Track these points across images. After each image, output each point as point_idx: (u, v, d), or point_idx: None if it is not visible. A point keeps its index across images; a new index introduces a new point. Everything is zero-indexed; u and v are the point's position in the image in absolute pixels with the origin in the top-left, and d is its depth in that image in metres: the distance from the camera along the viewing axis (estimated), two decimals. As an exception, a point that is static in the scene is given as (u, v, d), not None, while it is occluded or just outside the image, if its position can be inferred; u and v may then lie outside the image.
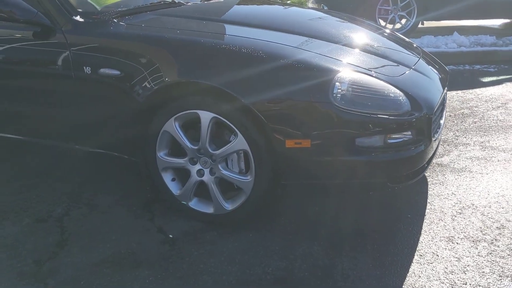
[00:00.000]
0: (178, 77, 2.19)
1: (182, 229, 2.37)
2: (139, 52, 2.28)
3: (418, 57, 2.66)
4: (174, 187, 2.42)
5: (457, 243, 2.19)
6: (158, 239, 2.29)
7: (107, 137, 2.49)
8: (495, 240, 2.20)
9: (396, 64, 2.45)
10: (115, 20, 2.41)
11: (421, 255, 2.11)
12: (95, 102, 2.41)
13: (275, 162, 2.16)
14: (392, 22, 6.88)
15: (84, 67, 2.33)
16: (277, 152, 2.12)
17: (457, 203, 2.53)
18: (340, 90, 2.07)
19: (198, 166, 2.31)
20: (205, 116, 2.19)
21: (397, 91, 2.15)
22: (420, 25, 7.03)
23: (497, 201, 2.53)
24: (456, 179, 2.80)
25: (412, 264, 2.06)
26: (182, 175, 2.42)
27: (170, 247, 2.22)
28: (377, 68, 2.31)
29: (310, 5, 7.86)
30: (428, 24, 7.59)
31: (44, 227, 2.39)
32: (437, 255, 2.11)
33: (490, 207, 2.48)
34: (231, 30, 2.45)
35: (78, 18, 2.40)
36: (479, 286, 1.92)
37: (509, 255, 2.09)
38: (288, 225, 2.38)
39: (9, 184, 2.84)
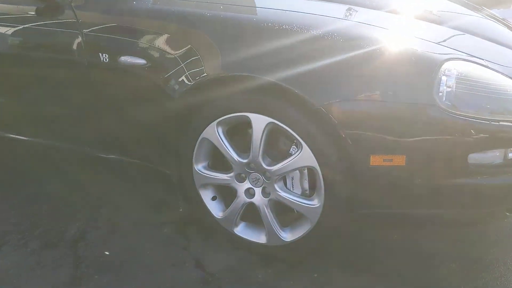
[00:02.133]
0: (223, 70, 1.64)
1: (225, 263, 1.85)
2: (172, 34, 1.74)
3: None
4: (215, 208, 1.89)
5: None
6: (196, 277, 1.78)
7: (131, 143, 1.98)
8: None
9: (503, 46, 1.85)
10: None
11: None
12: (113, 99, 1.89)
13: (353, 184, 1.60)
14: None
15: (100, 54, 1.80)
16: (357, 171, 1.57)
17: None
18: (447, 88, 1.49)
19: (247, 184, 1.78)
20: (259, 122, 1.64)
21: (520, 87, 1.56)
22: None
23: None
24: None
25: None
26: (225, 193, 1.90)
27: (212, 289, 1.72)
28: (486, 54, 1.71)
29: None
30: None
31: (53, 255, 1.91)
32: None
33: None
34: (298, 3, 1.87)
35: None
36: None
37: None
38: (370, 264, 1.84)
39: (14, 195, 2.36)
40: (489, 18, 2.33)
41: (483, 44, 1.83)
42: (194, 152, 1.81)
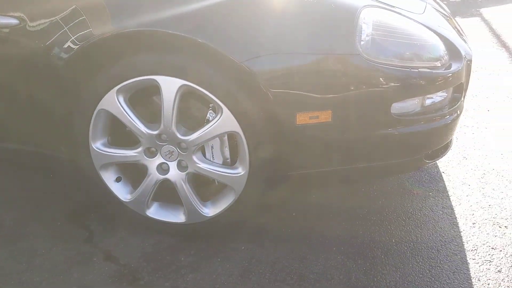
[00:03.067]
0: (117, 27, 1.37)
1: (140, 251, 1.63)
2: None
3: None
4: (121, 191, 1.63)
5: (505, 227, 1.74)
6: (108, 271, 1.53)
7: (18, 127, 1.61)
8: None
9: (408, -3, 1.85)
10: None
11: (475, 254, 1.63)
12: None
13: (280, 146, 1.48)
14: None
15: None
16: (284, 132, 1.45)
17: (475, 170, 2.08)
18: (367, 36, 1.43)
19: (159, 159, 1.55)
20: (169, 85, 1.42)
21: (432, 34, 1.56)
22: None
23: (512, 162, 2.13)
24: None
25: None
26: (131, 171, 1.65)
27: (130, 284, 1.49)
28: (395, 1, 1.68)
29: None
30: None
31: None
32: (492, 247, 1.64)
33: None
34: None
35: None
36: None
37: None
38: (300, 229, 1.75)
39: None
40: None
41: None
42: (91, 128, 1.52)
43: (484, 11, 4.83)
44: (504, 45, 3.76)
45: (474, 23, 4.37)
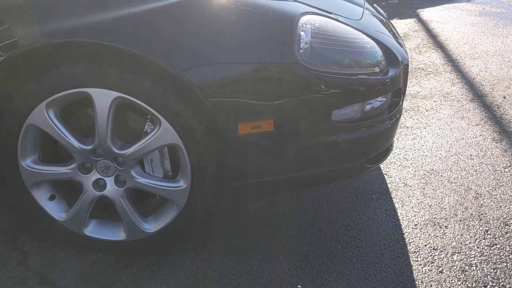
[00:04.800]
0: (45, 37, 1.28)
1: (78, 272, 1.54)
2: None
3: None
4: (55, 210, 1.54)
5: (445, 226, 1.78)
6: (44, 297, 1.44)
7: None
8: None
9: (345, 1, 1.86)
10: None
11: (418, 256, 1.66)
12: None
13: (222, 157, 1.45)
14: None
15: None
16: (226, 143, 1.41)
17: (416, 171, 2.13)
18: (306, 44, 1.41)
19: (94, 175, 1.47)
20: (103, 97, 1.34)
21: (370, 40, 1.57)
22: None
23: (455, 161, 2.20)
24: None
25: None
26: (65, 189, 1.56)
27: (68, 308, 1.41)
28: (333, 8, 1.68)
29: None
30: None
31: None
32: (433, 248, 1.68)
33: (451, 170, 2.13)
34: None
35: None
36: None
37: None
38: (247, 239, 1.72)
39: None
40: None
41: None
42: (19, 144, 1.42)
43: (421, 12, 5.00)
44: (439, 45, 3.90)
45: (411, 24, 4.51)
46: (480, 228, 1.76)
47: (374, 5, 2.11)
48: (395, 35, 1.85)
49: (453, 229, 1.76)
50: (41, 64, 1.33)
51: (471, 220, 1.81)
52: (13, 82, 1.36)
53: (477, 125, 2.54)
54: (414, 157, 2.24)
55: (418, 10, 5.07)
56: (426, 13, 4.95)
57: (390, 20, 2.05)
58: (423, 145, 2.35)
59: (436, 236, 1.72)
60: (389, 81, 1.55)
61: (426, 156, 2.25)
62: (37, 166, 1.46)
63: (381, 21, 1.87)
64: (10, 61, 1.30)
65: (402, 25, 4.49)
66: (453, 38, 4.06)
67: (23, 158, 1.45)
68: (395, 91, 1.62)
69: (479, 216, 1.83)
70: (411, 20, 4.68)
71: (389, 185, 2.02)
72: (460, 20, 4.65)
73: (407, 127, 2.53)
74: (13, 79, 1.35)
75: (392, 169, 2.14)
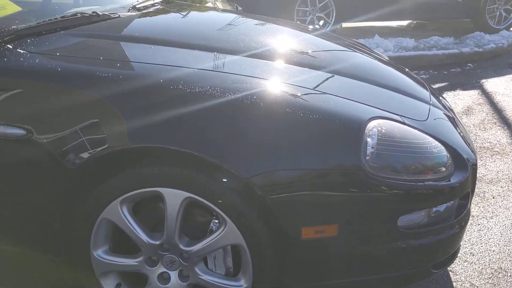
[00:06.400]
0: (129, 140, 1.38)
1: None
2: (57, 98, 1.43)
3: (424, 86, 2.10)
4: (120, 298, 1.60)
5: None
6: None
7: (10, 226, 1.59)
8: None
9: (411, 98, 1.86)
10: (10, 46, 1.51)
11: None
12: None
13: (284, 260, 1.45)
14: (311, 24, 6.46)
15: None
16: (288, 246, 1.42)
17: (483, 268, 2.03)
18: (373, 150, 1.43)
19: (160, 269, 1.52)
20: (174, 197, 1.41)
21: (437, 143, 1.56)
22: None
23: (520, 259, 2.08)
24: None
25: None
26: (132, 278, 1.61)
27: None
28: (400, 108, 1.70)
29: (220, 4, 7.17)
30: (345, 25, 7.31)
31: None
32: None
33: (519, 269, 2.02)
34: (202, 59, 1.68)
35: None
36: None
37: None
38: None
39: None
40: (370, 55, 2.34)
41: (387, 95, 1.81)
42: (92, 235, 1.50)
43: (485, 82, 4.90)
44: (506, 121, 3.78)
45: (475, 97, 4.42)
46: None
47: (440, 97, 2.10)
48: (462, 132, 1.82)
49: None
50: (122, 163, 1.42)
51: (546, 332, 1.68)
52: (94, 178, 1.45)
53: (549, 216, 2.41)
54: (480, 252, 2.14)
55: (482, 81, 4.97)
56: (491, 84, 4.84)
57: (453, 91, 2.01)
58: (490, 238, 2.25)
59: None
60: (457, 186, 1.52)
61: (493, 251, 2.15)
62: (107, 257, 1.53)
63: (447, 118, 1.86)
64: (93, 160, 1.40)
65: (465, 97, 4.41)
66: (521, 114, 3.93)
67: (95, 248, 1.52)
68: (464, 195, 1.59)
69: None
70: (474, 91, 4.60)
71: (454, 284, 1.93)
72: (528, 93, 4.51)
73: (473, 216, 2.43)
74: (95, 175, 1.45)
75: (458, 265, 2.05)
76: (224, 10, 3.22)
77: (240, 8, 6.38)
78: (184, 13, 2.40)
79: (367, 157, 1.40)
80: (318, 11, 6.38)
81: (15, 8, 1.69)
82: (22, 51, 1.49)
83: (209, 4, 8.08)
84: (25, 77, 1.44)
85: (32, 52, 1.49)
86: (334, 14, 6.41)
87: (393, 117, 1.56)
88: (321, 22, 6.47)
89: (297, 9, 6.31)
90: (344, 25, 7.07)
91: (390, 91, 1.86)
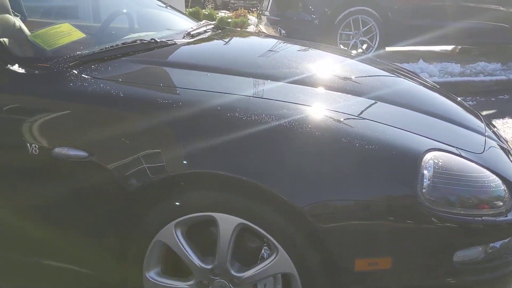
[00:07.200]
0: (187, 166, 1.41)
1: None
2: (119, 122, 1.48)
3: (479, 117, 2.06)
4: (169, 320, 1.61)
5: None
6: None
7: (65, 245, 1.64)
8: None
9: (466, 129, 1.83)
10: (75, 71, 1.58)
11: None
12: (44, 195, 1.57)
13: (336, 291, 1.44)
14: (354, 47, 6.46)
15: (28, 145, 1.49)
16: (341, 277, 1.41)
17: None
18: (429, 182, 1.40)
19: (211, 293, 1.54)
20: (227, 223, 1.43)
21: (495, 177, 1.52)
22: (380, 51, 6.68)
23: None
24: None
25: None
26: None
27: None
28: (455, 140, 1.67)
29: (263, 28, 7.28)
30: (388, 49, 7.27)
31: None
32: None
33: None
34: (259, 87, 1.71)
35: (16, 68, 1.55)
36: None
37: None
38: None
39: None
40: (415, 81, 2.31)
41: (442, 126, 1.78)
42: (146, 257, 1.53)
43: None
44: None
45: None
46: None
47: (494, 129, 2.05)
48: None
49: None
50: (178, 188, 1.46)
51: None
52: (150, 200, 1.49)
53: None
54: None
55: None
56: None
57: (502, 119, 1.95)
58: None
59: None
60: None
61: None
62: (159, 279, 1.55)
63: (503, 150, 1.81)
64: (151, 184, 1.44)
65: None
66: None
67: (147, 270, 1.55)
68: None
69: None
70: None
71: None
72: None
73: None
74: (151, 198, 1.48)
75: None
76: (268, 36, 3.26)
77: (283, 32, 6.47)
78: (232, 40, 2.45)
79: (424, 190, 1.38)
80: (362, 35, 6.38)
81: (79, 35, 1.78)
82: (86, 77, 1.56)
83: (251, 27, 8.22)
84: (89, 102, 1.51)
85: (96, 77, 1.56)
86: (377, 38, 6.40)
87: (450, 149, 1.54)
88: (365, 46, 6.46)
89: (341, 33, 6.34)
90: (388, 49, 7.02)
91: (445, 121, 1.83)
